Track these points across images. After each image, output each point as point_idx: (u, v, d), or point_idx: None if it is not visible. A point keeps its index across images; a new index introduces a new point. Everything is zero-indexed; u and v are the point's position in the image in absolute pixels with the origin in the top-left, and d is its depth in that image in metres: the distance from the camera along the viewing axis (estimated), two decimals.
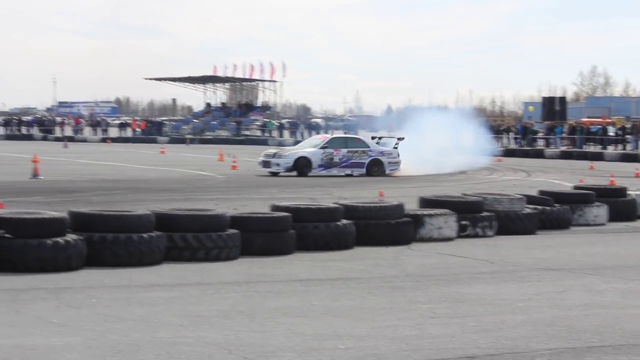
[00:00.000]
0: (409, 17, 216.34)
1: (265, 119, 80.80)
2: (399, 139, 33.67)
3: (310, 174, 31.66)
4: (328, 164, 32.13)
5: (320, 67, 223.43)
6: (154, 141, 68.60)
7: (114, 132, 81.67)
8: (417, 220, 15.16)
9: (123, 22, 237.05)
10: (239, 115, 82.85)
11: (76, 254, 11.48)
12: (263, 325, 8.78)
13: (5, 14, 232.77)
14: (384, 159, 32.69)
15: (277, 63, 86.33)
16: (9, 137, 75.73)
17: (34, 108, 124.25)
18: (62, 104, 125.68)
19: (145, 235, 12.04)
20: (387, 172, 32.56)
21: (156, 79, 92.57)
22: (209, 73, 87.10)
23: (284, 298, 10.30)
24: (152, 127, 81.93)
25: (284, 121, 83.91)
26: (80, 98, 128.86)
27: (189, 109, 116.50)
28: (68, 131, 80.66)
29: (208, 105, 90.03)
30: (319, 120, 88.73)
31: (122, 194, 22.85)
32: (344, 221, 14.25)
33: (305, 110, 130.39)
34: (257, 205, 18.46)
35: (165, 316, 9.05)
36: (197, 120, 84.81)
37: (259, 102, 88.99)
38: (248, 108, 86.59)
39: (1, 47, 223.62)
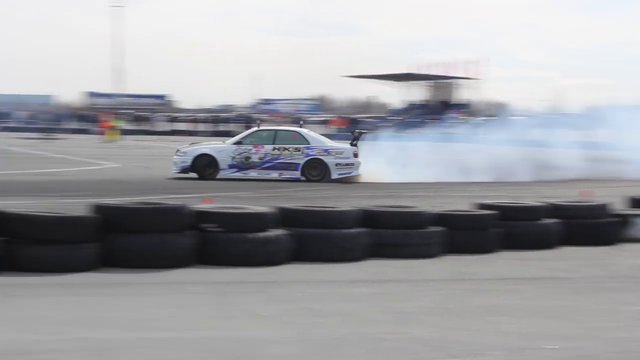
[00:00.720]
0: (612, 13, 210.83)
1: (464, 117, 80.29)
2: (359, 133, 27.37)
3: (218, 176, 25.49)
4: (243, 164, 25.66)
5: (520, 64, 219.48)
6: None
7: (315, 129, 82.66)
8: (625, 220, 14.74)
9: (315, 19, 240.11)
10: (438, 113, 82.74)
11: (281, 249, 11.63)
12: (468, 323, 8.69)
13: (209, 15, 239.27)
14: (329, 160, 25.74)
15: (476, 60, 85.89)
16: (213, 134, 78.02)
17: (235, 105, 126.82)
18: (264, 102, 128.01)
19: (348, 231, 12.11)
20: (335, 176, 25.66)
21: (355, 77, 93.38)
22: (404, 70, 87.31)
23: (489, 296, 10.18)
24: (351, 125, 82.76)
25: (483, 119, 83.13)
26: (281, 95, 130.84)
27: (383, 106, 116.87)
28: None
29: (410, 103, 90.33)
30: (519, 118, 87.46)
31: (325, 190, 23.08)
32: (549, 220, 13.99)
33: (504, 107, 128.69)
34: (458, 202, 18.30)
35: (369, 312, 9.07)
36: (399, 117, 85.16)
37: (457, 100, 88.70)
38: (447, 106, 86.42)
39: (206, 46, 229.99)
